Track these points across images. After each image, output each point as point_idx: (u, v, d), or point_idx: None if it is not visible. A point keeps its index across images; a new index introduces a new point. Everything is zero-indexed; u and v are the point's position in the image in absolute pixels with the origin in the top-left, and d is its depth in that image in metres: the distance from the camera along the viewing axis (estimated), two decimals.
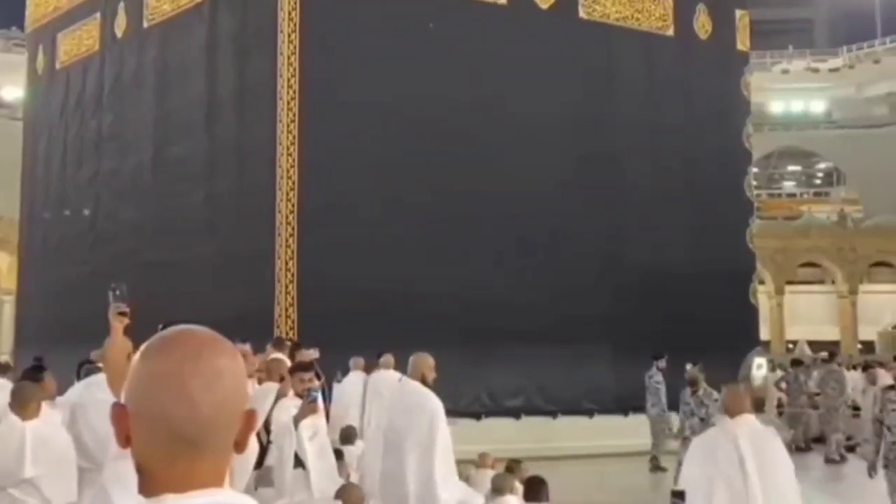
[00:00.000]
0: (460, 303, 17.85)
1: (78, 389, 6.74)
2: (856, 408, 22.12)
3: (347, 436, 11.27)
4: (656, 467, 16.70)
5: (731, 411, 6.86)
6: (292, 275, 17.95)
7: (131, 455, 1.64)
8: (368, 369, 14.54)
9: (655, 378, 18.28)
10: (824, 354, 29.16)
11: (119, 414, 1.66)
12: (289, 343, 12.79)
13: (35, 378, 7.01)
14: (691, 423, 10.66)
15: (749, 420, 6.90)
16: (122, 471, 1.62)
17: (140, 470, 1.62)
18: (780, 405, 22.45)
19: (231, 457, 1.69)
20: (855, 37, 54.16)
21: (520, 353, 17.45)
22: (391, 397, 8.97)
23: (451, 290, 18.04)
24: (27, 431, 5.76)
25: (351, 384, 14.83)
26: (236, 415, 1.67)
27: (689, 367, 10.34)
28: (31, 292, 25.80)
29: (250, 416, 1.69)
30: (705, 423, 10.25)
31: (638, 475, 9.65)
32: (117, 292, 4.63)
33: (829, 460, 20.14)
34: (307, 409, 7.91)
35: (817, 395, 21.72)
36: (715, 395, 10.38)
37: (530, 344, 17.36)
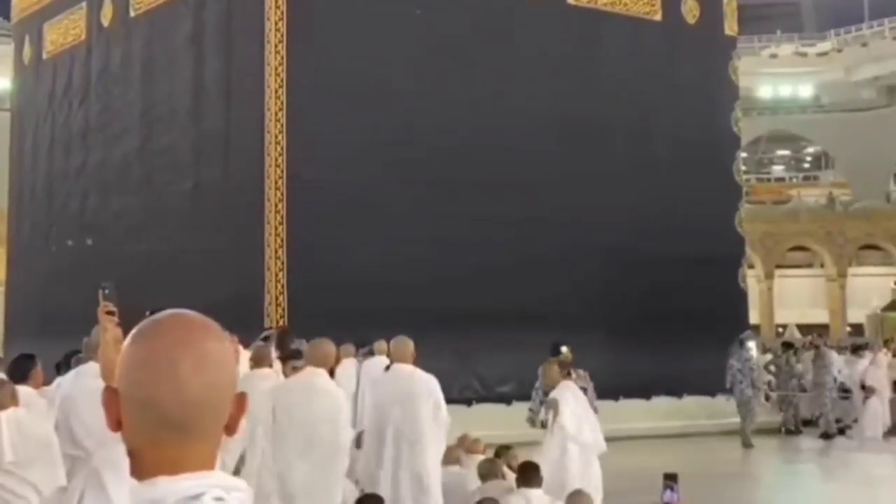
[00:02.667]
0: (451, 289, 17.89)
1: (68, 379, 6.74)
2: (844, 390, 22.25)
3: None
4: (748, 445, 18.69)
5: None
6: (282, 263, 17.94)
7: (122, 439, 1.65)
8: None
9: (748, 359, 19.55)
10: (812, 338, 29.33)
11: (110, 398, 1.67)
12: (274, 330, 12.79)
13: (24, 368, 7.01)
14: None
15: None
16: (113, 454, 1.62)
17: (131, 453, 1.62)
18: (769, 388, 22.54)
19: (222, 440, 1.69)
20: (842, 20, 54.19)
21: (510, 338, 17.44)
22: (391, 385, 8.95)
23: (441, 276, 18.08)
24: (1, 419, 5.83)
25: (343, 372, 14.81)
26: (226, 398, 1.68)
27: (564, 349, 10.66)
28: (20, 283, 25.76)
29: (241, 399, 1.70)
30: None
31: (630, 459, 9.69)
32: (106, 291, 4.64)
33: (825, 435, 20.34)
34: None
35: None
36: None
37: (520, 329, 17.36)
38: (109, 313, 4.60)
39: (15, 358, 7.54)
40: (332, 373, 8.15)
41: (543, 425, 9.86)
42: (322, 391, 7.64)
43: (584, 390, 10.12)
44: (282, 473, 7.43)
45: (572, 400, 9.65)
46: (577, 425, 9.54)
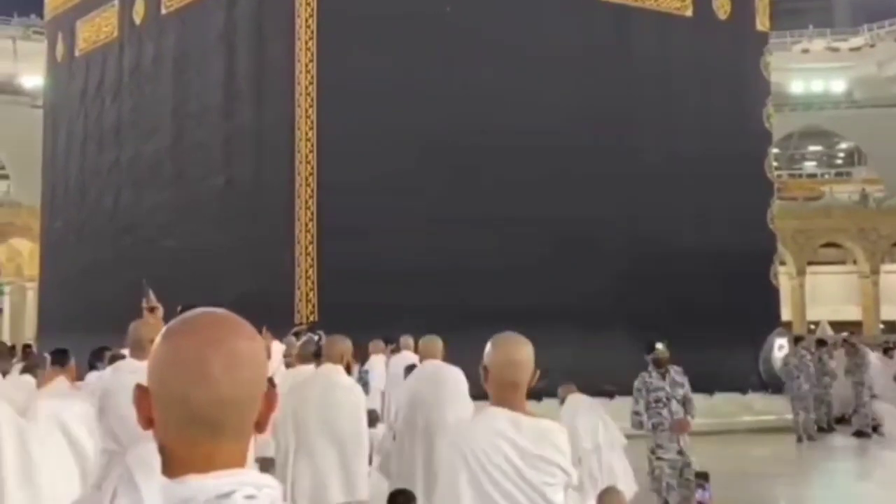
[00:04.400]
0: (481, 285, 17.87)
1: (107, 374, 6.80)
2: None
3: (370, 419, 11.29)
4: (811, 438, 19.22)
5: None
6: (312, 259, 17.99)
7: (154, 436, 1.65)
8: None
9: (803, 355, 19.85)
10: (846, 335, 29.06)
11: (141, 396, 1.68)
12: (305, 326, 12.83)
13: (61, 362, 7.08)
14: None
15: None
16: (145, 452, 1.63)
17: (163, 451, 1.63)
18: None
19: (252, 437, 1.70)
20: (875, 15, 53.67)
21: (539, 335, 17.37)
22: (421, 381, 8.96)
23: (471, 271, 18.06)
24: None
25: (373, 368, 14.82)
26: (257, 395, 1.68)
27: (660, 345, 10.27)
28: (53, 279, 25.95)
29: (270, 396, 1.70)
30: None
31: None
32: (148, 290, 4.72)
33: (859, 433, 20.15)
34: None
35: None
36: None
37: (549, 326, 17.28)
38: (151, 309, 4.65)
39: (50, 352, 7.61)
40: (348, 369, 8.18)
41: (655, 427, 9.74)
42: (339, 386, 7.69)
43: (681, 385, 9.88)
44: (303, 468, 7.47)
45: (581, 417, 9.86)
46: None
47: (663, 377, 9.90)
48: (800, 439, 19.16)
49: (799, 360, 19.82)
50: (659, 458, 9.72)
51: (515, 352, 3.85)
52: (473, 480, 3.71)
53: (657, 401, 9.78)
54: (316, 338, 10.77)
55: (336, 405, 7.57)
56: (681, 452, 9.69)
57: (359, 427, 7.62)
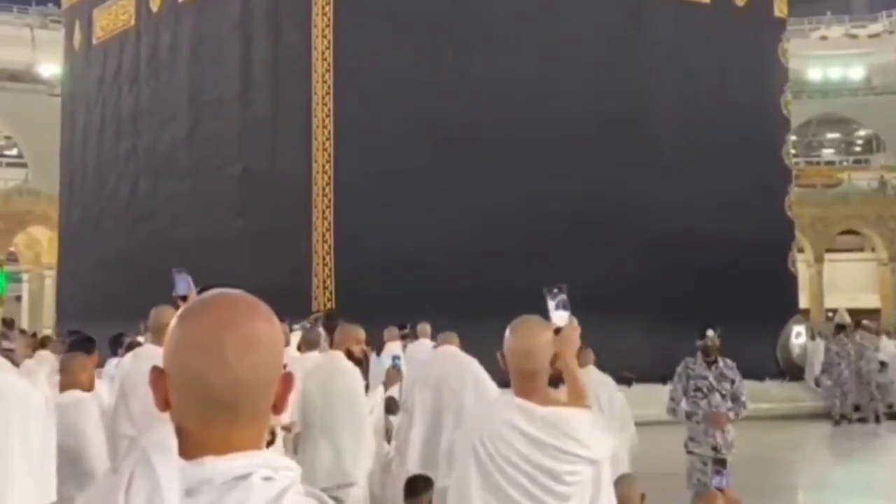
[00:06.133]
0: (497, 274, 17.83)
1: (126, 361, 6.83)
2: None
3: (388, 406, 11.29)
4: (850, 420, 19.89)
5: None
6: (329, 247, 18.01)
7: (171, 419, 1.65)
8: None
9: (845, 343, 20.52)
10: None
11: (157, 378, 1.67)
12: (322, 314, 12.85)
13: (85, 349, 7.11)
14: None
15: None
16: (161, 435, 1.63)
17: (179, 433, 1.63)
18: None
19: (269, 419, 1.69)
20: (894, 2, 53.36)
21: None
22: (436, 368, 9.00)
23: (487, 260, 18.04)
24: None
25: (388, 355, 14.82)
26: (273, 378, 1.68)
27: (710, 332, 9.62)
28: (71, 267, 26.05)
29: (287, 378, 1.70)
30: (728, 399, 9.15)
31: (679, 444, 9.56)
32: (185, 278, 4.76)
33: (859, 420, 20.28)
34: (393, 377, 8.24)
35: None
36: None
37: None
38: (185, 299, 4.66)
39: (74, 339, 7.64)
40: (365, 356, 8.21)
41: (689, 416, 9.17)
42: (335, 371, 7.73)
43: (732, 382, 9.18)
44: (309, 451, 7.51)
45: None
46: None
47: (709, 367, 9.24)
48: (837, 423, 19.68)
49: (840, 347, 20.43)
50: (690, 452, 9.20)
51: (530, 339, 3.76)
52: (482, 470, 3.68)
53: (697, 389, 9.16)
54: (308, 325, 10.83)
55: (335, 391, 7.60)
56: (716, 449, 9.08)
57: (356, 411, 7.63)
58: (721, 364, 9.29)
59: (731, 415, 9.14)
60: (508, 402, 3.78)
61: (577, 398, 3.89)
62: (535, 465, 3.61)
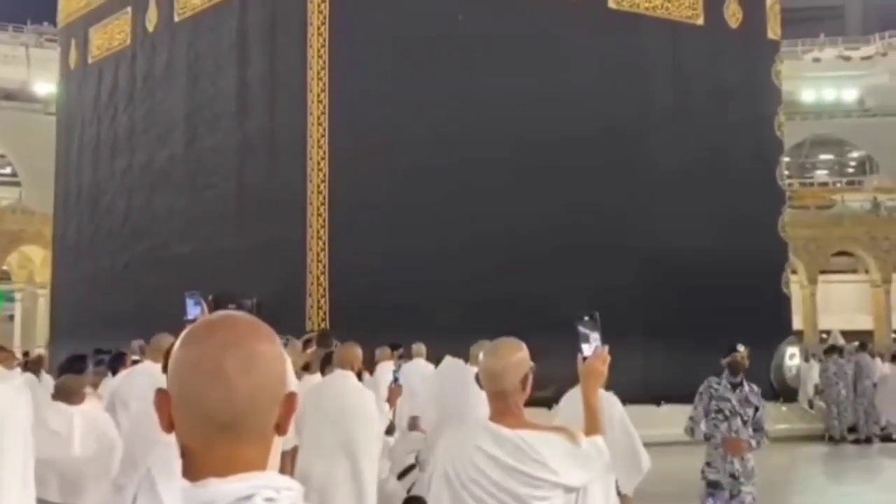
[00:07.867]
0: (492, 292, 17.83)
1: (118, 377, 6.85)
2: None
3: (387, 427, 11.29)
4: (844, 440, 20.49)
5: None
6: (323, 266, 18.01)
7: (176, 440, 1.66)
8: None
9: (842, 364, 21.12)
10: (857, 344, 28.96)
11: (162, 399, 1.68)
12: (315, 334, 12.84)
13: (79, 369, 7.10)
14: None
15: None
16: (166, 455, 1.64)
17: (183, 454, 1.64)
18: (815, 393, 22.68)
19: (273, 440, 1.71)
20: (888, 24, 53.59)
21: (551, 343, 17.39)
22: (444, 382, 8.99)
23: (482, 280, 18.04)
24: (75, 416, 5.99)
25: (381, 375, 14.81)
26: (276, 398, 1.69)
27: (741, 347, 9.13)
28: (65, 286, 26.00)
29: (291, 399, 1.71)
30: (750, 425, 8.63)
31: (674, 464, 9.42)
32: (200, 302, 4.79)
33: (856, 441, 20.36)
34: (395, 392, 8.42)
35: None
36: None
37: (560, 334, 17.28)
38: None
39: (68, 357, 7.65)
40: (359, 375, 8.24)
41: (707, 438, 8.71)
42: (351, 391, 7.74)
43: (756, 409, 8.70)
44: (312, 472, 7.51)
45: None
46: None
47: (733, 389, 8.79)
48: (833, 440, 20.29)
49: (838, 367, 20.91)
50: (704, 478, 8.73)
51: (499, 360, 3.75)
52: (452, 493, 3.66)
53: (718, 411, 8.68)
54: (284, 341, 10.78)
55: (345, 410, 7.61)
56: (734, 476, 8.58)
57: (369, 433, 7.65)
58: (746, 388, 8.88)
59: (753, 443, 8.64)
60: (478, 425, 3.76)
61: (590, 428, 3.83)
62: (503, 489, 3.56)
